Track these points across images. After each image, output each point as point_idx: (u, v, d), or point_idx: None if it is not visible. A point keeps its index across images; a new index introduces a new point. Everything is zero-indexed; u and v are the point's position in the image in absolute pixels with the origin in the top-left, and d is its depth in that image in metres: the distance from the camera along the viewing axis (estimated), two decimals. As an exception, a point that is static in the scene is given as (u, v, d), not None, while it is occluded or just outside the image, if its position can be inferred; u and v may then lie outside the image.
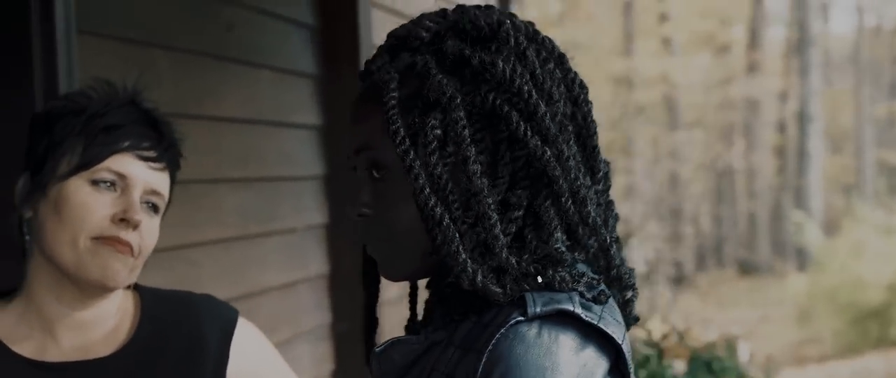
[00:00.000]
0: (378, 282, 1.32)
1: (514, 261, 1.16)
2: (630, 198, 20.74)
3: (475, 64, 1.20)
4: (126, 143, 1.60)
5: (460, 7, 1.25)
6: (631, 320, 1.25)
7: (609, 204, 1.26)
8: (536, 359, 1.10)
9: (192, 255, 2.86)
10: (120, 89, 1.66)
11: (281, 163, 3.42)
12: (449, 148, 1.18)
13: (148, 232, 1.62)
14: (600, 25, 23.07)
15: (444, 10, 1.26)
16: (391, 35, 1.26)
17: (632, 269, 1.24)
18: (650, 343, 6.04)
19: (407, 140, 1.18)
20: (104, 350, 1.64)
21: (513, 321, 1.13)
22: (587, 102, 1.23)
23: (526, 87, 1.19)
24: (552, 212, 1.18)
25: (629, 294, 1.24)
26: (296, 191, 3.52)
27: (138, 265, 1.61)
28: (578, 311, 1.14)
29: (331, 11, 3.62)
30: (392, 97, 1.19)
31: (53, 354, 1.62)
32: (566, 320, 1.13)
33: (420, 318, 1.33)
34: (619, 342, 1.15)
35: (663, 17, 23.53)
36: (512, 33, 1.22)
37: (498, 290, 1.15)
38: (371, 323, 1.33)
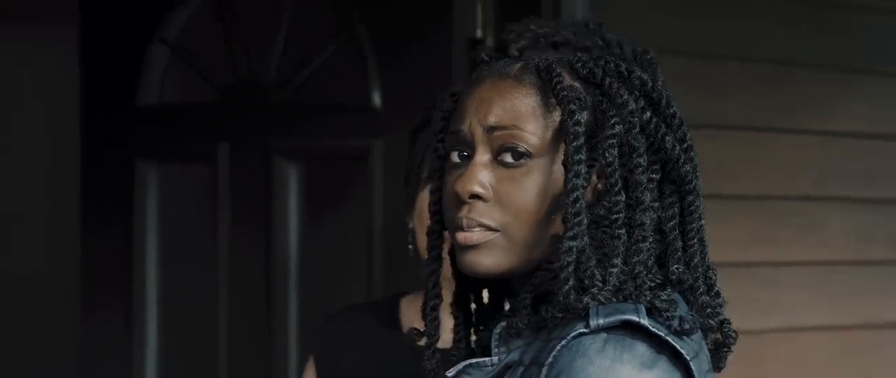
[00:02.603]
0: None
1: (646, 275, 1.12)
2: None
3: (634, 79, 1.17)
4: None
5: (598, 23, 1.23)
6: (717, 366, 1.21)
7: None
8: (597, 374, 1.07)
9: (770, 274, 2.73)
10: None
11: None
12: (623, 151, 1.14)
13: None
14: None
15: (585, 21, 1.24)
16: (527, 28, 1.21)
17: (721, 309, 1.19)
18: None
19: (583, 130, 1.13)
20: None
21: (575, 333, 1.10)
22: None
23: (679, 114, 1.18)
24: (680, 239, 1.16)
25: (719, 338, 1.19)
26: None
27: None
28: (645, 322, 1.10)
29: None
30: (561, 83, 1.15)
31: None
32: (635, 334, 1.10)
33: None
34: (688, 359, 1.10)
35: None
36: (655, 62, 1.21)
37: (577, 303, 1.10)
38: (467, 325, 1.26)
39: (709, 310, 1.16)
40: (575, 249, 1.11)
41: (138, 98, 2.71)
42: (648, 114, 1.16)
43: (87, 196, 2.79)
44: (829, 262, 2.79)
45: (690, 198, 1.16)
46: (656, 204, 1.15)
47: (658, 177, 1.15)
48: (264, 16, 2.62)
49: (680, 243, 1.15)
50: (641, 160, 1.14)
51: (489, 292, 1.25)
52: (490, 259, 1.15)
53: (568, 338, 1.09)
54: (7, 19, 3.62)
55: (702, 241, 1.17)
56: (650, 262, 1.14)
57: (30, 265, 3.63)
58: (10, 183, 3.70)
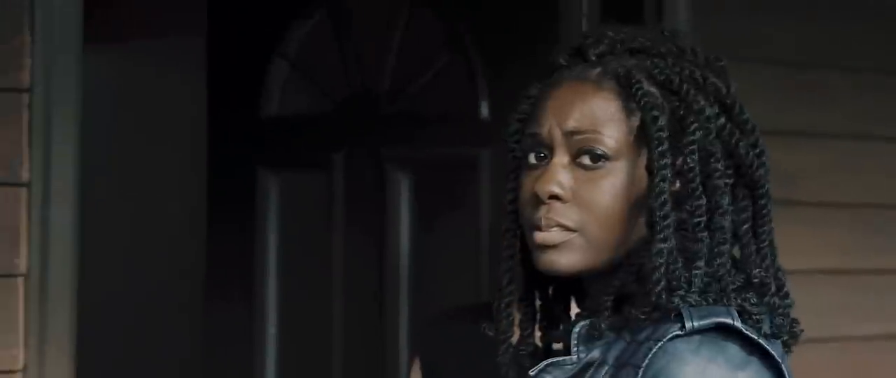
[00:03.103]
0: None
1: (728, 278, 1.14)
2: None
3: (709, 86, 1.18)
4: None
5: (673, 30, 1.25)
6: None
7: None
8: (692, 375, 1.09)
9: (874, 281, 2.74)
10: None
11: None
12: (701, 156, 1.16)
13: None
14: None
15: (661, 28, 1.27)
16: (605, 34, 1.22)
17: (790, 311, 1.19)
18: None
19: (666, 135, 1.15)
20: None
21: (670, 335, 1.11)
22: None
23: (751, 120, 1.18)
24: (753, 243, 1.17)
25: (786, 339, 1.19)
26: None
27: None
28: (738, 324, 1.12)
29: None
30: (642, 89, 1.17)
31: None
32: (727, 336, 1.12)
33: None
34: (780, 361, 1.12)
35: None
36: (727, 69, 1.21)
37: (668, 304, 1.12)
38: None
39: (780, 310, 1.17)
40: (665, 251, 1.13)
41: (260, 109, 2.85)
42: (723, 119, 1.17)
43: (213, 201, 2.95)
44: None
45: (762, 202, 1.17)
46: (731, 208, 1.16)
47: (732, 181, 1.16)
48: (377, 31, 2.74)
49: (754, 246, 1.17)
50: (719, 165, 1.15)
51: (555, 291, 1.26)
52: (567, 258, 1.17)
53: (663, 340, 1.11)
54: (143, 35, 3.84)
55: (772, 243, 1.18)
56: (729, 265, 1.15)
57: (159, 265, 3.83)
58: (143, 188, 3.91)
